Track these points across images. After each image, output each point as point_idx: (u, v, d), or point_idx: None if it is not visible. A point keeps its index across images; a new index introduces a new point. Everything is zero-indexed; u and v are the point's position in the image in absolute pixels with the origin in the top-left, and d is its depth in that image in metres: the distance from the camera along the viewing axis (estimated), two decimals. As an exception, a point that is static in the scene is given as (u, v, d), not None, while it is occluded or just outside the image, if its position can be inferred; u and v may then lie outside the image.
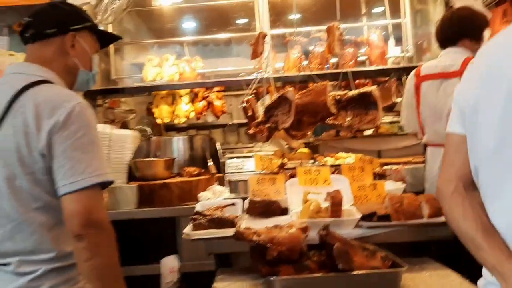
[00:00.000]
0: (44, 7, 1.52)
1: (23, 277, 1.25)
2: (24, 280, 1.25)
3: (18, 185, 1.27)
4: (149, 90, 3.98)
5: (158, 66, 3.96)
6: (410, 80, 2.78)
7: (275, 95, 2.75)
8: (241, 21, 4.92)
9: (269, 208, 2.06)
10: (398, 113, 4.21)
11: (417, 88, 2.68)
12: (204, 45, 5.04)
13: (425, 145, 2.73)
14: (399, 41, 4.13)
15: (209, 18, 4.78)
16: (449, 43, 2.57)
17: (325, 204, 1.96)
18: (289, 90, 2.64)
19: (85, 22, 1.54)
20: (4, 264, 1.27)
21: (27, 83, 1.31)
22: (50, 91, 1.34)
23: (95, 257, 1.22)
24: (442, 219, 1.84)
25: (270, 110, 2.79)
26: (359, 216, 1.86)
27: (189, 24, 5.02)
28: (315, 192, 2.04)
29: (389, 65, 3.97)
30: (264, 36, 2.84)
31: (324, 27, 3.89)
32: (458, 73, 2.44)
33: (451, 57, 2.52)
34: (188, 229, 1.94)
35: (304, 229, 1.65)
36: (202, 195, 2.93)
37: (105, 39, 1.70)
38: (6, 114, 1.28)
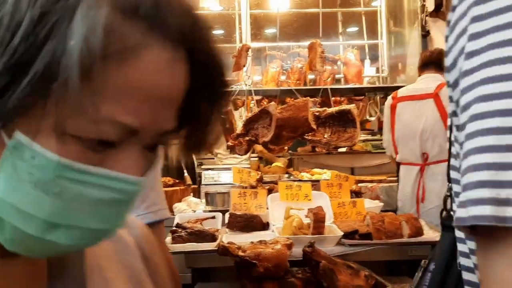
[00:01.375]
0: None
1: None
2: None
3: None
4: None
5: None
6: (387, 103, 2.87)
7: (256, 109, 2.76)
8: (217, 32, 4.92)
9: (250, 223, 2.03)
10: (370, 131, 4.30)
11: (393, 109, 2.77)
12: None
13: (398, 164, 2.79)
14: (374, 61, 4.24)
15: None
16: (437, 68, 2.64)
17: (307, 220, 1.96)
18: (271, 104, 2.65)
19: None
20: None
21: None
22: None
23: None
24: (422, 238, 1.88)
25: (250, 123, 2.78)
26: (341, 233, 1.86)
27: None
28: (297, 208, 2.04)
29: (365, 84, 4.06)
30: (248, 48, 2.85)
31: (303, 43, 3.96)
32: (432, 95, 2.56)
33: (428, 81, 2.65)
34: (167, 242, 1.88)
35: (289, 246, 1.64)
36: (177, 206, 2.87)
37: None
38: None
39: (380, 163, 3.64)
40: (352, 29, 4.83)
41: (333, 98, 3.92)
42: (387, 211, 2.30)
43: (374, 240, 1.86)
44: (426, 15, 3.51)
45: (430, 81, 2.62)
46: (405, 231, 1.90)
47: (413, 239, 1.86)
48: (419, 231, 1.90)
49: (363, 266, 1.72)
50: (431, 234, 1.98)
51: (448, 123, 0.58)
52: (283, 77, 3.88)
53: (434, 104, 2.54)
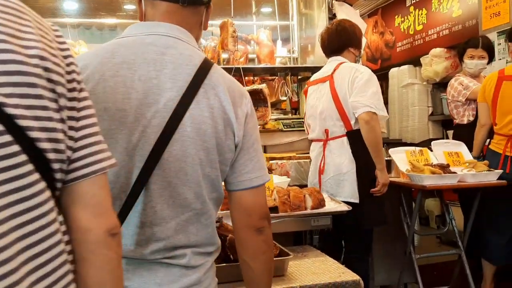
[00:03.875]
0: None
1: (196, 270, 1.10)
2: (198, 273, 1.10)
3: (207, 173, 1.09)
4: (25, 73, 3.62)
5: (36, 47, 3.62)
6: (304, 89, 3.00)
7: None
8: (130, 7, 4.74)
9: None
10: (282, 111, 4.45)
11: (305, 93, 2.93)
12: (86, 28, 4.76)
13: (311, 141, 2.94)
14: (286, 42, 4.36)
15: (95, 0, 4.51)
16: (335, 52, 2.78)
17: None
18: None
19: None
20: (174, 257, 1.08)
21: (202, 58, 1.11)
22: (226, 74, 1.17)
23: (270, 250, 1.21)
24: (324, 209, 2.02)
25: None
26: (249, 208, 1.94)
27: (71, 5, 4.69)
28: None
29: (277, 64, 4.17)
30: (158, 26, 2.78)
31: (216, 22, 3.95)
32: (329, 77, 2.68)
33: (332, 64, 2.75)
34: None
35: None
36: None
37: None
38: (196, 91, 1.07)
39: (290, 140, 3.79)
40: (266, 9, 4.90)
41: (246, 78, 4.00)
42: (296, 186, 2.44)
43: (280, 213, 1.97)
44: (333, -1, 3.68)
45: (334, 64, 2.73)
46: (309, 204, 2.03)
47: (315, 211, 1.99)
48: (321, 203, 2.04)
49: (269, 238, 1.82)
50: (332, 205, 2.13)
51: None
52: (196, 56, 3.85)
53: (329, 86, 2.66)
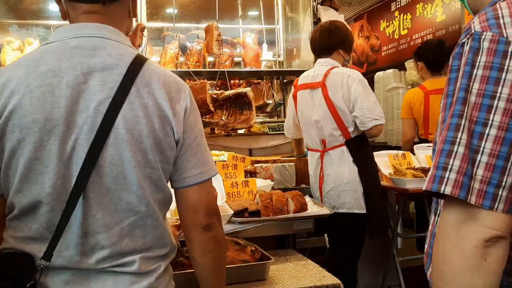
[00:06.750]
0: None
1: (147, 276, 1.06)
2: (149, 279, 1.06)
3: (147, 174, 1.06)
4: (8, 76, 3.59)
5: (19, 50, 3.59)
6: (291, 92, 2.92)
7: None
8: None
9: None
10: (268, 114, 4.46)
11: (294, 97, 2.83)
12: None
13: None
14: (271, 45, 4.37)
15: (79, 2, 4.48)
16: (324, 52, 2.70)
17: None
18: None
19: None
20: (122, 265, 1.04)
21: (133, 55, 1.08)
22: (161, 69, 1.13)
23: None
24: (306, 213, 2.03)
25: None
26: (231, 212, 1.94)
27: (55, 7, 4.63)
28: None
29: (262, 68, 4.17)
30: (143, 28, 2.78)
31: (202, 25, 3.95)
32: (320, 84, 2.61)
33: (321, 67, 2.68)
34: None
35: (178, 227, 1.67)
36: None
37: None
38: (127, 91, 1.04)
39: (276, 144, 3.80)
40: (252, 13, 4.91)
41: (232, 81, 4.00)
42: (280, 190, 2.42)
43: (262, 217, 1.97)
44: (318, 3, 3.69)
45: (323, 67, 2.66)
46: (291, 207, 2.03)
47: (297, 215, 2.00)
48: (303, 207, 2.05)
49: (251, 242, 1.82)
50: (315, 209, 2.14)
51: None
52: (182, 59, 3.85)
53: (322, 94, 2.59)
